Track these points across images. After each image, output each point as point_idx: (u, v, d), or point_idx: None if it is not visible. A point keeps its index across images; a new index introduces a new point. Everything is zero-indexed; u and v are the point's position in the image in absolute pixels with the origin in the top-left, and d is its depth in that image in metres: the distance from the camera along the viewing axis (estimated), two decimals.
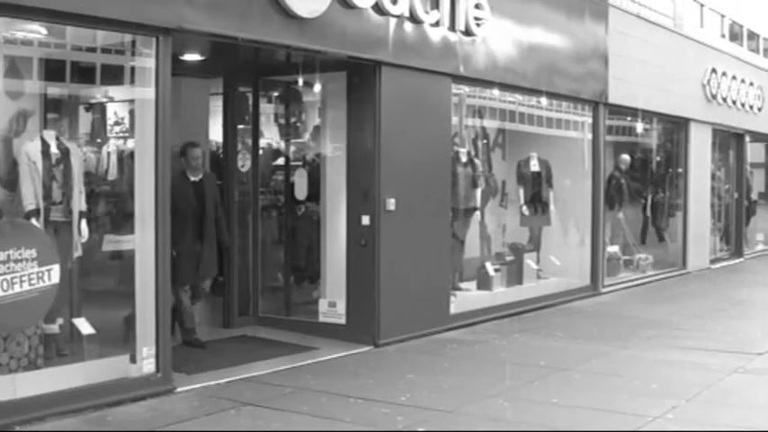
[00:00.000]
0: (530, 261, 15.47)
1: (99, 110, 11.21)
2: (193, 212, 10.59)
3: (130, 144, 10.24)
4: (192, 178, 10.70)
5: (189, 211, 10.49)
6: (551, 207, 15.91)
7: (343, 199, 11.53)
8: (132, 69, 9.02)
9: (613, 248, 17.93)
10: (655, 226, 20.62)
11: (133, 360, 8.65)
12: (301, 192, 12.47)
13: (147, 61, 8.66)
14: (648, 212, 20.20)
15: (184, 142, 10.81)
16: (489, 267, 14.39)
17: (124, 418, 7.91)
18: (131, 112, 9.91)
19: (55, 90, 9.72)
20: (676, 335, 12.39)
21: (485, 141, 15.84)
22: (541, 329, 12.87)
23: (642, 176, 20.01)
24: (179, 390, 8.85)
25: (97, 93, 10.80)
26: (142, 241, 8.75)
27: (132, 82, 9.05)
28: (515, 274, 14.95)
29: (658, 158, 20.88)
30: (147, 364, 8.67)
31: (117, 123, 11.23)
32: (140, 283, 8.74)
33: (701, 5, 27.07)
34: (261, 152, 12.79)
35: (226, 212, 11.59)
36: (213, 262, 11.07)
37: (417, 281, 11.87)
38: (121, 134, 11.17)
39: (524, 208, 15.78)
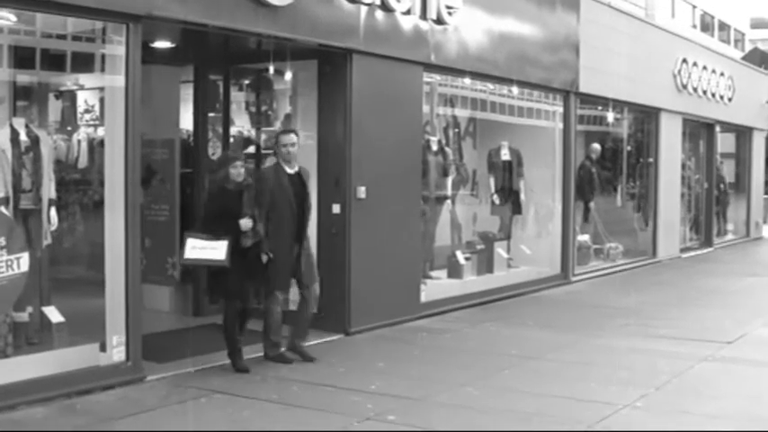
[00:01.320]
0: (500, 250, 15.53)
1: (69, 97, 11.19)
2: (291, 209, 9.64)
3: (101, 132, 10.15)
4: (288, 170, 9.70)
5: (287, 208, 9.58)
6: (522, 196, 15.96)
7: (313, 187, 11.30)
8: (102, 57, 8.98)
9: (584, 237, 18.06)
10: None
11: (103, 349, 8.62)
12: None
13: (117, 49, 8.62)
14: (619, 202, 20.29)
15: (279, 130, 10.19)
16: (460, 256, 14.46)
17: (93, 407, 7.90)
18: (102, 100, 9.83)
19: (24, 77, 9.68)
20: (647, 323, 12.48)
21: (456, 130, 15.91)
22: (512, 318, 12.92)
23: (613, 166, 20.13)
24: (149, 378, 8.84)
25: (67, 80, 10.76)
26: (112, 230, 8.72)
27: (102, 69, 9.00)
28: (486, 263, 15.04)
29: (629, 148, 21.00)
30: (117, 353, 8.65)
31: (87, 111, 11.20)
32: (110, 271, 8.71)
33: None
34: (231, 140, 12.74)
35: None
36: (313, 266, 10.04)
37: (388, 269, 11.92)
38: (92, 122, 11.12)
39: (495, 197, 15.82)
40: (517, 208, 16.04)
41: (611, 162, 20.06)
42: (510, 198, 15.89)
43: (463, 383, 8.90)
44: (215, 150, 12.44)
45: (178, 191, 12.52)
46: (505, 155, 15.76)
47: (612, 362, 10.08)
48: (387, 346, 10.71)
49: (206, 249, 8.94)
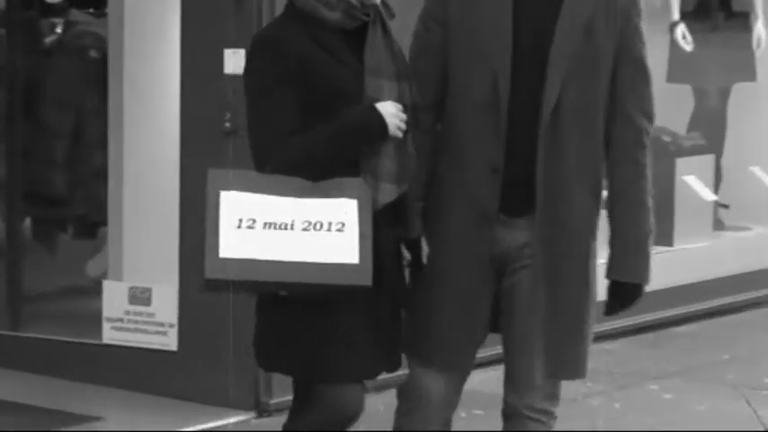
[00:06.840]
0: (690, 180, 11.28)
1: None
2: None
3: None
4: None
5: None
6: (761, 33, 12.23)
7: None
8: None
9: None
10: None
11: None
12: None
13: None
14: None
15: None
16: None
17: None
18: None
19: None
20: None
21: None
22: (718, 367, 9.76)
23: None
24: None
25: None
26: None
27: None
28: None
29: None
30: None
31: None
32: None
33: None
34: None
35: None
36: (575, 319, 7.25)
37: None
38: None
39: (680, 29, 11.87)
40: (749, 66, 12.19)
41: None
42: (721, 35, 12.42)
43: None
44: None
45: None
46: None
47: None
48: None
49: (294, 233, 4.83)
